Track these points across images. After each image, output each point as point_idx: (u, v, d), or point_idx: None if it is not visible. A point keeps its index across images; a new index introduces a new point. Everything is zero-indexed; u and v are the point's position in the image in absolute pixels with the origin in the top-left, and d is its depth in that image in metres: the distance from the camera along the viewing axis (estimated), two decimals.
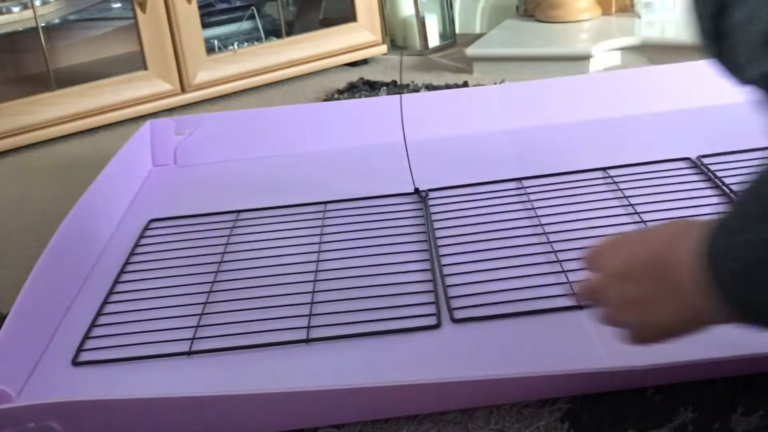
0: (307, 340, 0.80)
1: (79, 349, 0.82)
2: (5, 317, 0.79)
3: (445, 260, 0.91)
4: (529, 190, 1.05)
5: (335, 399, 0.68)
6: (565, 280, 0.84)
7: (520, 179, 1.08)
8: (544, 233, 0.94)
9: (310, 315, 0.84)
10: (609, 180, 1.05)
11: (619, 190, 1.02)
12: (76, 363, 0.80)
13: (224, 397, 0.67)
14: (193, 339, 0.81)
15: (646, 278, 0.57)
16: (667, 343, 0.61)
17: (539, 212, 0.99)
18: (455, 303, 0.83)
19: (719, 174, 1.02)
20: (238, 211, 1.09)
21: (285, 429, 0.69)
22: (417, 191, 1.07)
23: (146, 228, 1.07)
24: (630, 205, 0.98)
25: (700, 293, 0.51)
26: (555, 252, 0.90)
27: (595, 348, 0.73)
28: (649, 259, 0.57)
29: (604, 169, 1.08)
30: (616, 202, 0.99)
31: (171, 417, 0.69)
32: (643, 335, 0.61)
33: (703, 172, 1.04)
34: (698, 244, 0.51)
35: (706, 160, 1.06)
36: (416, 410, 0.69)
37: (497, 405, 0.69)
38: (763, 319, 0.49)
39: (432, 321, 0.80)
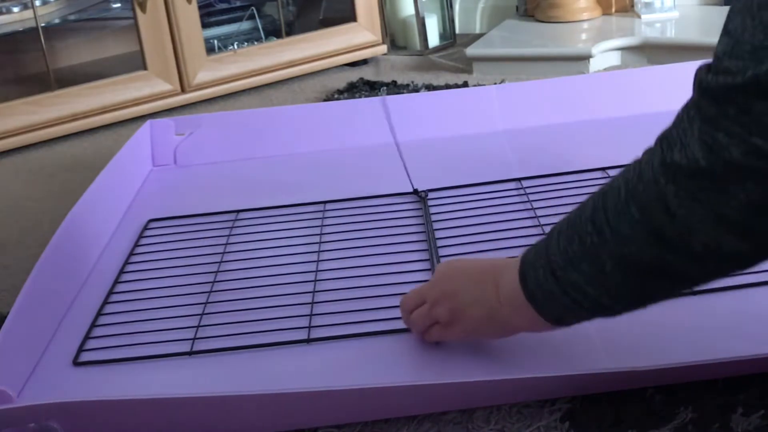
0: (308, 340, 0.80)
1: (80, 350, 0.82)
2: (5, 317, 0.79)
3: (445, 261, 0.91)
4: (528, 191, 1.05)
5: (335, 399, 0.68)
6: None
7: (519, 179, 1.08)
8: (544, 234, 0.94)
9: (311, 315, 0.84)
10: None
11: None
12: (77, 363, 0.80)
13: (224, 398, 0.67)
14: (194, 339, 0.81)
15: (468, 279, 0.72)
16: (470, 338, 0.74)
17: (539, 212, 0.99)
18: None
19: None
20: (237, 211, 1.09)
21: (285, 429, 0.69)
22: (416, 192, 1.07)
23: (145, 228, 1.07)
24: None
25: (513, 294, 0.67)
26: None
27: (595, 348, 0.73)
28: (486, 265, 0.72)
29: (603, 169, 1.08)
30: None
31: (171, 417, 0.69)
32: (451, 325, 0.72)
33: None
34: (517, 264, 0.68)
35: None
36: (416, 410, 0.69)
37: (497, 405, 0.69)
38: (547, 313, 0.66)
39: None
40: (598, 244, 0.60)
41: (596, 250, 0.60)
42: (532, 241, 0.92)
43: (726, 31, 0.53)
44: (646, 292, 0.61)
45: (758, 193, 0.51)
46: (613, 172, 1.06)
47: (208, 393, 0.68)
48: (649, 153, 0.58)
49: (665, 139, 0.56)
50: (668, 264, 0.57)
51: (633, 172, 0.58)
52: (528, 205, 1.01)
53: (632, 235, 0.57)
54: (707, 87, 0.52)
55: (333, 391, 0.68)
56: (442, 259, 0.91)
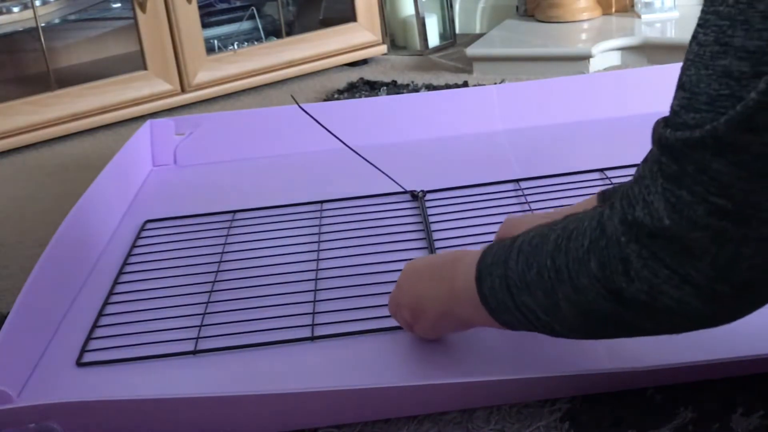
0: (313, 338, 0.80)
1: (83, 350, 0.82)
2: (5, 317, 0.79)
3: None
4: (526, 192, 1.05)
5: (335, 399, 0.68)
6: None
7: (517, 181, 1.08)
8: None
9: (314, 313, 0.84)
10: (606, 182, 1.05)
11: None
12: (80, 364, 0.80)
13: (224, 398, 0.67)
14: (197, 338, 0.81)
15: (426, 278, 0.72)
16: (435, 335, 0.76)
17: (536, 214, 0.99)
18: None
19: None
20: (234, 212, 1.09)
21: (285, 429, 0.69)
22: (412, 194, 1.07)
23: (142, 229, 1.07)
24: None
25: (468, 291, 0.66)
26: None
27: (595, 348, 0.73)
28: (438, 262, 0.73)
29: (601, 170, 1.08)
30: None
31: (170, 417, 0.69)
32: (415, 324, 0.74)
33: None
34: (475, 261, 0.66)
35: None
36: (416, 410, 0.69)
37: (497, 405, 0.69)
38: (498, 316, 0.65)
39: None
40: (555, 282, 0.58)
41: (553, 286, 0.59)
42: None
43: (680, 85, 0.51)
44: (598, 332, 0.61)
45: (723, 254, 0.50)
46: (610, 174, 1.07)
47: (207, 393, 0.68)
48: (609, 208, 0.56)
49: (625, 197, 0.54)
50: (624, 319, 0.57)
51: (597, 222, 0.56)
52: (526, 207, 1.01)
53: (590, 288, 0.56)
54: (666, 144, 0.51)
55: (333, 391, 0.68)
56: None
